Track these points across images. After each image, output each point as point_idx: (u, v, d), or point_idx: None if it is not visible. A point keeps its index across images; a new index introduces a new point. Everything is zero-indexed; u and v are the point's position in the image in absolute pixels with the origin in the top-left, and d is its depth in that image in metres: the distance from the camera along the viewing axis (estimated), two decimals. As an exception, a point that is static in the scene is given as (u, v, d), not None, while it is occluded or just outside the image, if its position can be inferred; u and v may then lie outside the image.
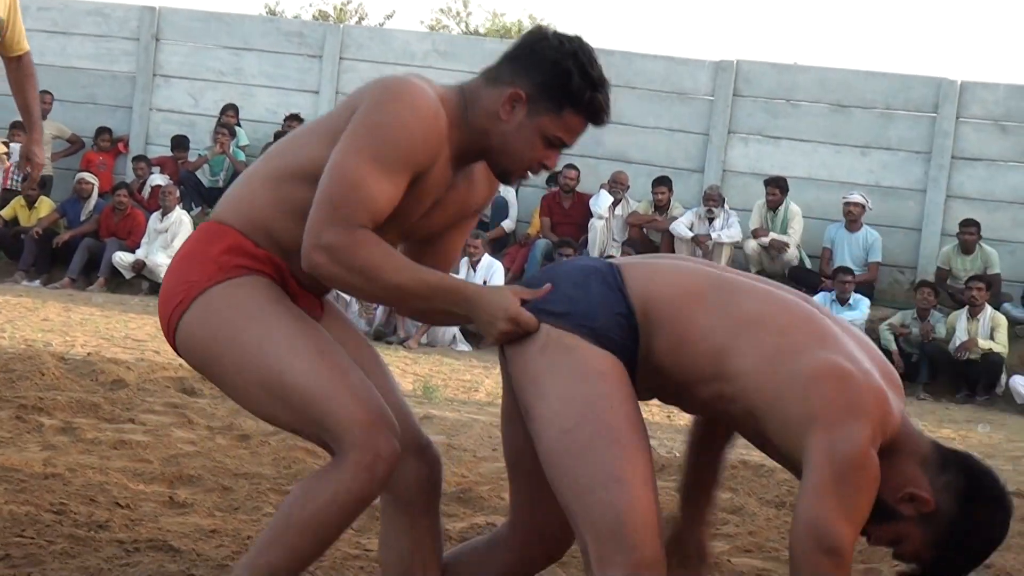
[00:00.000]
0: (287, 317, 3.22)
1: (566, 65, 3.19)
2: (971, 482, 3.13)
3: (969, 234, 14.54)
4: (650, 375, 3.16)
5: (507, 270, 14.74)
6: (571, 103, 3.22)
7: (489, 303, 3.13)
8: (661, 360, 3.13)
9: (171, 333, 3.31)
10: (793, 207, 15.02)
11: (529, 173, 3.33)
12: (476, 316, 3.15)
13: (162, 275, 14.69)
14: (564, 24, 53.90)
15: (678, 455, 7.46)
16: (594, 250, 15.08)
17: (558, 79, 3.19)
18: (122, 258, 15.18)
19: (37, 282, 15.11)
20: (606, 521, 3.00)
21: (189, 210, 15.65)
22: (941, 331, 13.72)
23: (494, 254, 14.86)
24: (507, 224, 15.77)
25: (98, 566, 4.38)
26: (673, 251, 15.05)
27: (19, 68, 6.47)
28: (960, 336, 13.53)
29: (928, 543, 3.12)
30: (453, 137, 3.23)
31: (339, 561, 4.59)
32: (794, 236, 14.99)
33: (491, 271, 14.48)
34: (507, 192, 15.77)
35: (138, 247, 15.28)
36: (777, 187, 15.03)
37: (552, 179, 15.74)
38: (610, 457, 3.01)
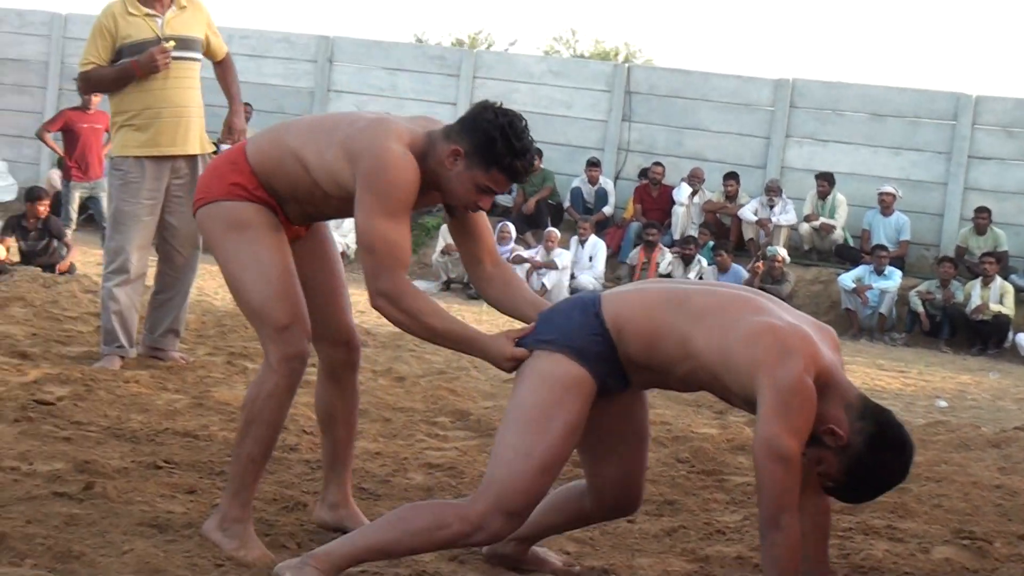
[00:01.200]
0: (259, 240, 3.58)
1: (493, 135, 3.37)
2: (881, 431, 3.21)
3: (982, 219, 14.29)
4: (638, 372, 3.35)
5: (608, 247, 14.75)
6: (495, 164, 3.39)
7: (492, 352, 3.36)
8: (640, 359, 3.31)
9: (195, 212, 3.71)
10: (840, 196, 14.83)
11: (468, 210, 3.50)
12: (486, 359, 3.39)
13: (338, 248, 14.91)
14: (652, 49, 53.56)
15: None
16: (676, 232, 15.01)
17: (486, 145, 3.38)
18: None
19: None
20: (500, 475, 3.24)
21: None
22: (959, 297, 13.51)
23: (597, 234, 14.86)
24: (607, 210, 15.72)
25: (290, 480, 4.47)
26: (740, 232, 14.96)
27: (223, 66, 6.67)
28: (975, 301, 13.33)
29: (841, 470, 3.23)
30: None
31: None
32: (840, 220, 14.82)
33: (595, 248, 14.50)
34: (607, 184, 15.74)
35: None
36: (826, 180, 14.85)
37: (643, 174, 15.69)
38: (535, 441, 3.23)
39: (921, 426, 7.08)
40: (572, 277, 14.16)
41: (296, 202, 3.63)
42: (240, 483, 3.62)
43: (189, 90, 6.39)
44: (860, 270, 13.93)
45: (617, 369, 3.32)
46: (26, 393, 5.38)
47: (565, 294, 13.54)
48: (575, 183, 15.79)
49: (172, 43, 6.26)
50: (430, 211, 15.16)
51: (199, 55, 6.48)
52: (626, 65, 17.82)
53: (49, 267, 11.14)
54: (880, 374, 10.53)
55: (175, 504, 3.98)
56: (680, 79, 16.19)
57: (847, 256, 14.66)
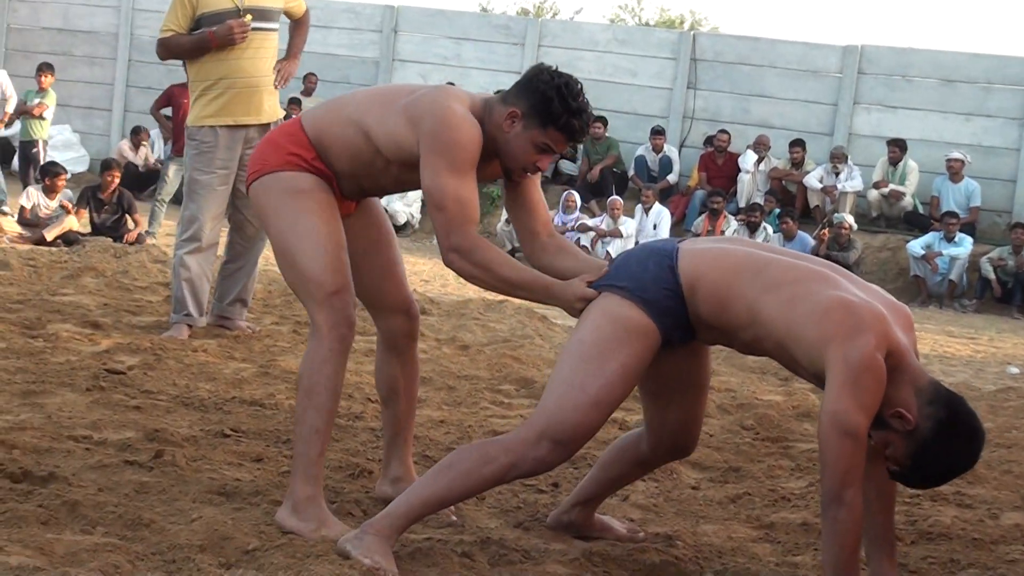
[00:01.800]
0: (316, 211, 3.58)
1: (550, 95, 3.43)
2: (951, 417, 3.14)
3: (1056, 184, 14.11)
4: (705, 330, 3.34)
5: (672, 215, 14.67)
6: (552, 123, 3.44)
7: (564, 295, 3.40)
8: (708, 318, 3.29)
9: (248, 185, 3.74)
10: (911, 163, 14.63)
11: (527, 173, 3.54)
12: (558, 304, 3.42)
13: (400, 220, 14.96)
14: (717, 17, 53.07)
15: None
16: (742, 199, 14.90)
17: (543, 104, 3.44)
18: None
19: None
20: (550, 405, 3.23)
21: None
22: (1032, 263, 13.34)
23: (662, 202, 14.80)
24: (672, 178, 15.63)
25: (356, 448, 4.50)
26: (806, 200, 14.82)
27: (298, 22, 6.85)
28: (1048, 267, 13.16)
29: (907, 454, 3.16)
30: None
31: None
32: (910, 187, 14.63)
33: (660, 216, 14.42)
34: (671, 152, 15.65)
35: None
36: (897, 146, 14.64)
37: (708, 141, 15.58)
38: (590, 375, 3.23)
39: (991, 392, 7.01)
40: (636, 245, 14.13)
41: (353, 175, 3.64)
42: (306, 459, 3.54)
43: (264, 60, 6.46)
44: (929, 237, 13.78)
45: (684, 324, 3.31)
46: (97, 362, 5.47)
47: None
48: (639, 151, 15.73)
49: (250, 17, 6.31)
50: (495, 181, 15.20)
51: (276, 25, 6.57)
52: (691, 33, 17.66)
53: (118, 239, 11.25)
54: (950, 340, 10.41)
55: (243, 472, 4.02)
56: (746, 46, 16.04)
57: (916, 223, 14.50)
